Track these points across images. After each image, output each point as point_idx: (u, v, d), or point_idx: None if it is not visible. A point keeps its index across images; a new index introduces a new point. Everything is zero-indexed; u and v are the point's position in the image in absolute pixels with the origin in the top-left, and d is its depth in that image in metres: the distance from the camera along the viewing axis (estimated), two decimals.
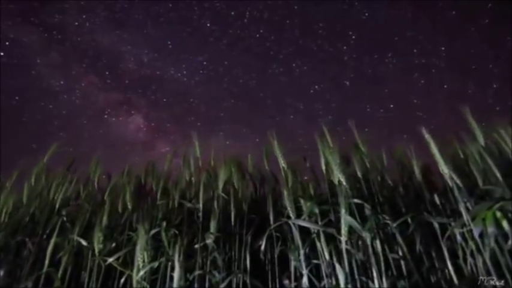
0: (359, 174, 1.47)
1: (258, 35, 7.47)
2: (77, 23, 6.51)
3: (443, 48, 6.71)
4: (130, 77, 7.15)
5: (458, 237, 1.15)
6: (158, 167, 1.80)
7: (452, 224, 1.20)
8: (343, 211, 1.13)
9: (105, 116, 6.80)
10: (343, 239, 1.09)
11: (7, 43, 5.87)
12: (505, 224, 1.15)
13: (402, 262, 1.19)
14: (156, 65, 7.27)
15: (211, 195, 1.61)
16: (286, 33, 7.55)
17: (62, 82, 6.46)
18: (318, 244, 1.24)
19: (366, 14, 7.12)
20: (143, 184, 1.74)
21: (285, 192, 1.32)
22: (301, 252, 1.20)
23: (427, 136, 1.10)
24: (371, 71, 7.39)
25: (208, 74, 7.53)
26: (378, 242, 1.17)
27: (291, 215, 1.26)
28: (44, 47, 6.35)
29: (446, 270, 1.17)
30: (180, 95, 7.53)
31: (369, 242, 1.15)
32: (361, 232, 1.16)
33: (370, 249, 1.15)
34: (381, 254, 1.15)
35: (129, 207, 1.53)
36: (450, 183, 1.29)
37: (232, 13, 7.18)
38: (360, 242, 1.28)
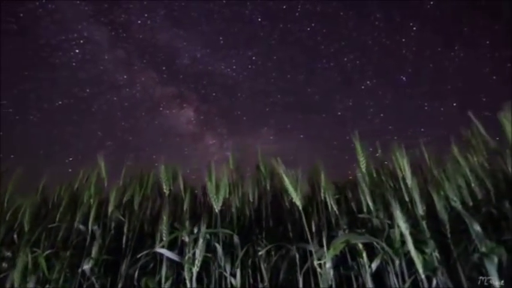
0: (250, 197, 1.50)
1: (309, 29, 7.54)
2: (139, 22, 7.25)
3: None
4: (184, 72, 7.84)
5: (318, 269, 1.16)
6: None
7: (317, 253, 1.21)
8: (200, 241, 1.16)
9: (161, 109, 7.54)
10: (195, 269, 1.12)
11: (81, 41, 6.76)
12: (365, 256, 1.17)
13: None
14: (208, 60, 7.85)
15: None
16: (339, 26, 7.50)
17: (125, 76, 7.28)
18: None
19: (431, 3, 6.75)
20: (54, 203, 1.81)
21: (164, 218, 1.36)
22: (163, 282, 1.24)
23: (280, 167, 1.13)
24: (432, 65, 6.99)
25: (256, 69, 7.84)
26: (238, 272, 1.20)
27: (164, 240, 1.30)
28: (111, 44, 7.22)
29: None
30: (229, 89, 7.98)
31: (227, 272, 1.18)
32: (220, 261, 1.19)
33: (230, 280, 1.17)
34: (238, 284, 1.17)
35: (26, 228, 1.60)
36: (330, 210, 1.32)
37: (284, 7, 7.35)
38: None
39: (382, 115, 7.12)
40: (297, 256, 1.24)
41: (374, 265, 1.12)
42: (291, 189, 1.11)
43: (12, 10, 6.05)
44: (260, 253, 1.24)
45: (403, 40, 7.07)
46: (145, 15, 7.24)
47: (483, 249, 1.11)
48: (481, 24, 6.52)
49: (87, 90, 6.95)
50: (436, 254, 1.14)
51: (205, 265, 1.34)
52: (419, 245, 1.16)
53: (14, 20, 6.08)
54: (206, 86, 7.82)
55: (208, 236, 1.39)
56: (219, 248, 1.23)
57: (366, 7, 7.20)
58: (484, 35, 6.44)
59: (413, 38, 6.98)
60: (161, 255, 1.43)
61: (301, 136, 7.22)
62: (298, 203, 1.11)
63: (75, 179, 1.84)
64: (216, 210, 1.29)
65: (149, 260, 1.49)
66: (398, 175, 1.37)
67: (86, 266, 1.37)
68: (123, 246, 1.51)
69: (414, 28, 6.92)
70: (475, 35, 6.60)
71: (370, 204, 1.25)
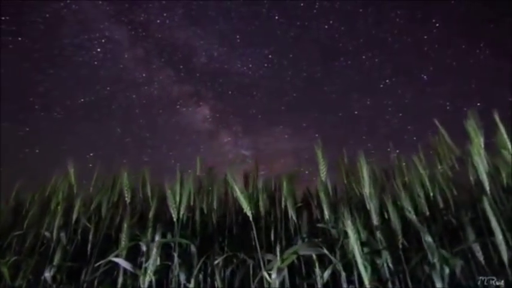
0: (215, 206, 1.51)
1: (327, 26, 7.46)
2: (158, 21, 7.47)
3: None
4: (201, 71, 7.99)
5: (268, 279, 1.17)
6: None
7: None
8: (154, 250, 1.18)
9: (177, 106, 7.73)
10: (147, 279, 1.14)
11: (103, 40, 7.08)
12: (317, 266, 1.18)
13: None
14: (224, 58, 7.97)
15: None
16: (358, 23, 7.37)
17: (144, 75, 7.53)
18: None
19: None
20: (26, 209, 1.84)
21: (125, 226, 1.38)
22: None
23: (229, 176, 1.14)
24: (456, 63, 6.67)
25: (272, 67, 7.87)
26: (192, 280, 1.21)
27: (119, 249, 1.32)
28: (131, 43, 7.49)
29: None
30: (244, 87, 8.11)
31: (183, 280, 1.19)
32: (175, 271, 1.20)
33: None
34: None
35: None
36: (290, 219, 1.33)
37: (302, 4, 7.35)
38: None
39: (400, 114, 6.85)
40: (251, 265, 1.25)
41: (326, 274, 1.13)
42: (242, 199, 1.12)
43: (40, 10, 6.43)
44: (216, 262, 1.25)
45: (425, 37, 6.83)
46: (164, 14, 7.46)
47: (434, 260, 1.11)
48: (508, 20, 6.13)
49: (108, 88, 7.24)
50: (388, 264, 1.15)
51: (166, 272, 1.36)
52: (373, 255, 1.17)
53: (41, 20, 6.46)
54: (222, 84, 7.94)
55: (172, 244, 1.41)
56: (176, 257, 1.24)
57: (386, 3, 7.04)
58: (511, 31, 6.07)
59: (435, 35, 6.76)
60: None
61: (317, 135, 7.23)
62: (249, 213, 1.12)
63: (47, 185, 1.86)
64: (174, 219, 1.31)
65: (113, 267, 1.50)
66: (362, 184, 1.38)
67: (47, 274, 1.39)
68: (88, 253, 1.53)
69: (437, 25, 6.67)
70: (501, 31, 6.22)
71: (327, 213, 1.26)
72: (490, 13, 6.37)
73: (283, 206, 1.37)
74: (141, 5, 7.26)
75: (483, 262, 1.09)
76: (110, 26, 7.13)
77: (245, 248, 1.41)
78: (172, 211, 1.30)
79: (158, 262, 1.40)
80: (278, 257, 1.18)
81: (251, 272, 1.25)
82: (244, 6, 7.56)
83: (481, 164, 1.23)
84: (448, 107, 6.50)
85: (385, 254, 1.15)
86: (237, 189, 1.11)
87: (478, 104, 6.13)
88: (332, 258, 1.08)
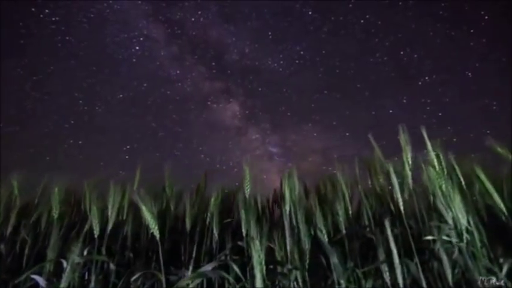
0: (151, 217, 1.54)
1: (362, 21, 7.26)
2: (193, 19, 7.79)
3: None
4: (232, 67, 8.21)
5: None
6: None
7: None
8: (68, 268, 1.21)
9: (208, 103, 8.01)
10: None
11: (141, 39, 7.55)
12: None
13: None
14: (256, 55, 8.10)
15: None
16: (397, 16, 7.10)
17: (178, 72, 7.90)
18: None
19: None
20: None
21: (52, 241, 1.41)
22: None
23: (136, 196, 1.16)
24: (506, 59, 6.10)
25: (304, 64, 7.85)
26: None
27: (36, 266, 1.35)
28: (166, 41, 7.87)
29: None
30: (274, 84, 8.16)
31: None
32: None
33: None
34: None
35: None
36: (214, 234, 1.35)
37: None
38: None
39: (440, 114, 6.45)
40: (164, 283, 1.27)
41: None
42: (149, 218, 1.14)
43: (86, 11, 6.96)
44: (133, 278, 1.28)
45: (472, 31, 6.31)
46: (199, 12, 7.75)
47: (341, 281, 1.12)
48: None
49: (144, 85, 7.69)
50: (299, 284, 1.16)
51: None
52: (282, 276, 1.19)
53: (86, 20, 7.00)
54: (252, 81, 8.07)
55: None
56: (93, 274, 1.27)
57: None
58: None
59: (483, 29, 6.20)
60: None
61: (347, 134, 7.04)
62: (156, 233, 1.15)
63: None
64: (95, 236, 1.34)
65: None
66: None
67: None
68: (24, 266, 1.57)
69: (486, 17, 6.10)
70: None
71: (244, 231, 1.27)
72: None
73: (207, 222, 1.39)
74: (177, 4, 7.68)
75: (389, 283, 1.10)
76: (148, 24, 7.59)
77: (172, 264, 1.44)
78: (94, 227, 1.33)
79: (86, 277, 1.44)
80: (189, 276, 1.21)
81: None
82: (277, 2, 7.69)
83: (396, 181, 1.24)
84: (494, 107, 6.08)
85: (293, 275, 1.16)
86: (143, 208, 1.14)
87: None
88: (231, 279, 1.10)
